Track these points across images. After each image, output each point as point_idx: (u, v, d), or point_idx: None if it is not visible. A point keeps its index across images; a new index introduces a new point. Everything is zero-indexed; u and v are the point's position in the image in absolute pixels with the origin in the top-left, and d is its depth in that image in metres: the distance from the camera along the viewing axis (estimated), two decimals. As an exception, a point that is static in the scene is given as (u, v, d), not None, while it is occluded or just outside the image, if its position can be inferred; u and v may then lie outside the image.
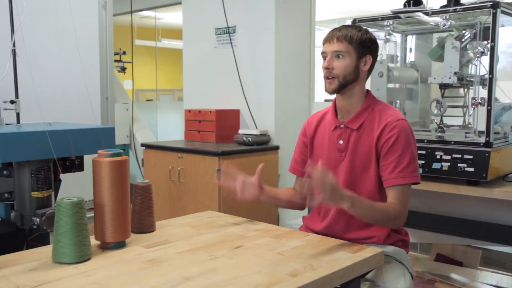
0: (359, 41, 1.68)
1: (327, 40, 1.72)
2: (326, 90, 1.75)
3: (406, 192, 1.66)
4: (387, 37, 2.85)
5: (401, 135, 1.66)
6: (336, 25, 1.76)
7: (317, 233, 1.82)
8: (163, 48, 7.24)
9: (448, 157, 2.35)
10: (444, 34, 2.65)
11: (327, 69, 1.70)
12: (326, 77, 1.72)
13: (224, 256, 1.38)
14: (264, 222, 1.75)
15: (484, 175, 2.25)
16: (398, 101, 2.96)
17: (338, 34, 1.69)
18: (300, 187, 1.85)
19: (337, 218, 1.75)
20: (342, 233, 1.72)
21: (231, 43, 3.72)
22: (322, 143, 1.82)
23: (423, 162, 2.42)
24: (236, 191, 1.70)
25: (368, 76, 1.78)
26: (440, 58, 2.64)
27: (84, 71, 3.13)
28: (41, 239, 1.98)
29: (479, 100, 2.34)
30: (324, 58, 1.73)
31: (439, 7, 2.48)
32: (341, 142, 1.75)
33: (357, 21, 2.72)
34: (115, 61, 5.03)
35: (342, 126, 1.76)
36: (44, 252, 1.40)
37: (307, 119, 1.93)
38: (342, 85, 1.70)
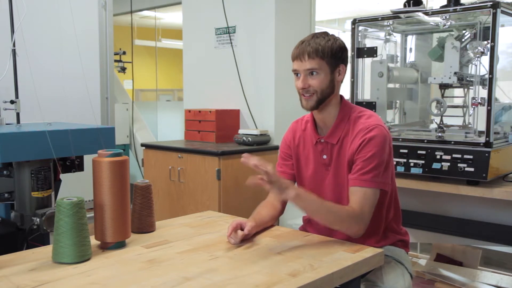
0: (330, 53, 1.61)
1: (298, 58, 1.63)
2: (303, 107, 1.69)
3: (369, 197, 1.58)
4: (387, 37, 2.85)
5: (372, 140, 1.60)
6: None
7: None
8: (163, 48, 7.24)
9: (448, 157, 2.35)
10: (444, 34, 2.65)
11: (304, 89, 1.64)
12: (302, 95, 1.66)
13: (224, 256, 1.38)
14: (264, 222, 1.74)
15: (484, 175, 2.25)
16: (398, 101, 2.97)
17: (309, 50, 1.60)
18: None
19: (330, 232, 1.72)
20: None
21: (231, 43, 3.72)
22: (307, 156, 1.77)
23: (423, 162, 2.42)
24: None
25: (341, 84, 1.72)
26: (440, 58, 2.65)
27: (84, 71, 3.13)
28: (41, 239, 1.98)
29: (479, 100, 2.34)
30: (296, 75, 1.67)
31: (439, 7, 2.49)
32: (325, 157, 1.71)
33: (357, 21, 2.72)
34: (115, 61, 5.03)
35: (322, 141, 1.72)
36: (44, 252, 1.40)
37: (290, 127, 1.87)
38: (320, 100, 1.64)
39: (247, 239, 1.52)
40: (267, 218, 1.70)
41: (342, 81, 1.72)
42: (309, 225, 1.87)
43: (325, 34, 1.66)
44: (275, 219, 1.76)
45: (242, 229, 1.54)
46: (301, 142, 1.80)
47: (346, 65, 1.69)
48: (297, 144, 1.81)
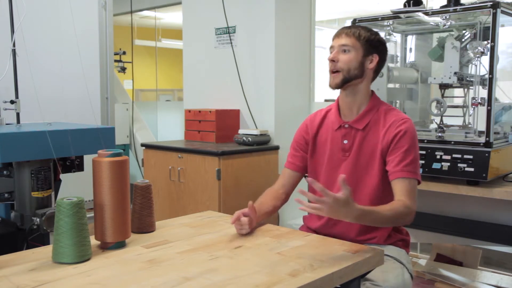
0: (367, 39, 1.71)
1: (336, 35, 1.74)
2: (329, 85, 1.75)
3: (413, 187, 1.66)
4: (387, 37, 2.85)
5: (407, 132, 1.68)
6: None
7: (315, 230, 1.82)
8: (163, 48, 7.24)
9: (448, 157, 2.35)
10: (444, 34, 2.65)
11: (332, 61, 1.71)
12: (331, 71, 1.72)
13: (224, 256, 1.38)
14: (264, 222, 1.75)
15: (484, 175, 2.25)
16: (398, 101, 2.97)
17: (347, 30, 1.72)
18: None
19: (336, 219, 1.75)
20: (341, 234, 1.73)
21: (231, 43, 3.72)
22: (324, 142, 1.81)
23: (423, 162, 2.42)
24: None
25: (374, 77, 1.79)
26: (440, 58, 2.64)
27: (84, 71, 3.13)
28: (41, 239, 1.98)
29: (479, 100, 2.34)
30: (331, 53, 1.75)
31: (439, 7, 2.49)
32: (345, 142, 1.75)
33: (357, 21, 2.72)
34: (115, 61, 5.03)
35: (346, 126, 1.76)
36: (44, 252, 1.40)
37: (308, 117, 1.92)
38: (346, 79, 1.70)
39: (249, 233, 1.57)
40: (268, 208, 1.77)
41: (375, 73, 1.77)
42: (310, 220, 1.88)
43: (370, 28, 1.77)
44: (277, 208, 1.83)
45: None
46: (320, 127, 1.84)
47: (380, 58, 1.75)
48: (315, 130, 1.85)
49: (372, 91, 1.80)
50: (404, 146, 1.66)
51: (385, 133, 1.70)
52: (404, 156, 1.65)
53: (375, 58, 1.73)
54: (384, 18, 2.66)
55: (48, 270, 1.26)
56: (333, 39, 1.76)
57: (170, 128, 5.90)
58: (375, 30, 1.80)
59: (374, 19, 2.69)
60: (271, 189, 1.87)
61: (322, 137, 1.83)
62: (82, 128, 2.09)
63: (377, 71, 1.77)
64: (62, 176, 2.12)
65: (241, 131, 3.50)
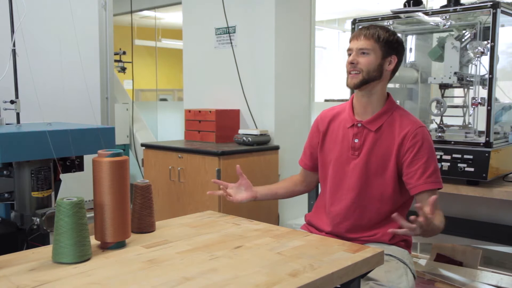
0: (385, 40, 1.70)
1: (354, 37, 1.73)
2: (347, 85, 1.74)
3: (437, 196, 1.67)
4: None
5: (425, 142, 1.68)
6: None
7: (319, 229, 1.83)
8: (163, 48, 7.24)
9: (448, 157, 2.35)
10: (444, 34, 2.65)
11: (352, 63, 1.70)
12: (349, 72, 1.72)
13: (224, 256, 1.38)
14: (264, 222, 1.75)
15: (484, 175, 2.25)
16: (398, 101, 2.97)
17: (366, 32, 1.70)
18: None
19: (342, 217, 1.76)
20: (346, 232, 1.74)
21: (231, 43, 3.72)
22: (335, 139, 1.82)
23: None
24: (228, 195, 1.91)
25: (391, 77, 1.78)
26: (440, 58, 2.64)
27: (84, 71, 3.13)
28: (41, 239, 1.98)
29: (479, 100, 2.34)
30: (349, 55, 1.74)
31: (439, 7, 2.49)
32: (356, 140, 1.75)
33: (357, 21, 2.72)
34: (115, 61, 5.03)
35: (359, 125, 1.76)
36: (44, 252, 1.40)
37: (320, 114, 1.93)
38: (365, 80, 1.70)
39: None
40: (278, 190, 1.94)
41: (392, 74, 1.77)
42: (314, 219, 1.88)
43: (387, 27, 1.77)
44: (294, 193, 2.00)
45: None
46: (330, 123, 1.86)
47: (399, 59, 1.75)
48: (325, 126, 1.87)
49: (388, 93, 1.80)
50: (424, 157, 1.67)
51: (402, 141, 1.70)
52: (426, 167, 1.67)
53: (394, 60, 1.73)
54: (384, 18, 2.66)
55: (48, 270, 1.26)
56: (351, 41, 1.74)
57: (170, 128, 5.90)
58: (392, 30, 1.79)
59: (374, 19, 2.69)
60: (295, 175, 2.03)
61: (333, 134, 1.84)
62: (82, 128, 2.10)
63: (394, 71, 1.77)
64: (62, 176, 2.12)
65: (241, 131, 3.50)
